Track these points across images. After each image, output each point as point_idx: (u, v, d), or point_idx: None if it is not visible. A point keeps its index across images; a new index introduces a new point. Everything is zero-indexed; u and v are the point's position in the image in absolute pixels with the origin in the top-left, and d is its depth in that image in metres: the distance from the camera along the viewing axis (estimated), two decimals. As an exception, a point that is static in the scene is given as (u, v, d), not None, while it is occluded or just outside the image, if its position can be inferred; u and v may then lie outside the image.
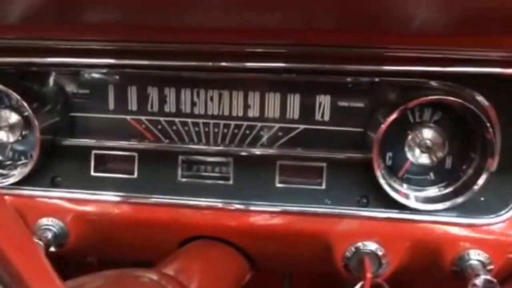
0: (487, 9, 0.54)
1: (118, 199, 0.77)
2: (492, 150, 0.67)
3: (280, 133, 0.75)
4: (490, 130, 0.66)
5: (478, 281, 0.67)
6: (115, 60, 0.74)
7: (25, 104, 0.73)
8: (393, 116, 0.67)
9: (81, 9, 0.61)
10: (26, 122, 0.77)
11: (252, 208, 0.74)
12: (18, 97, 0.73)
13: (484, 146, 0.68)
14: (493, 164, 0.68)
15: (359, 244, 0.73)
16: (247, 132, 0.76)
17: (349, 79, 0.72)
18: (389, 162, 0.74)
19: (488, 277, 0.67)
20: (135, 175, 0.77)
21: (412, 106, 0.67)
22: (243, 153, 0.75)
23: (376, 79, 0.70)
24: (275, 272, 1.14)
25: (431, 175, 0.74)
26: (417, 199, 0.71)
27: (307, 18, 0.62)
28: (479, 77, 0.67)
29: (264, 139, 0.76)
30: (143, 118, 0.77)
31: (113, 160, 0.77)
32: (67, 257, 1.04)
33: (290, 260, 0.83)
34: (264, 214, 0.75)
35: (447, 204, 0.69)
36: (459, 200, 0.69)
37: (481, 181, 0.68)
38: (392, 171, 0.74)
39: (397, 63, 0.68)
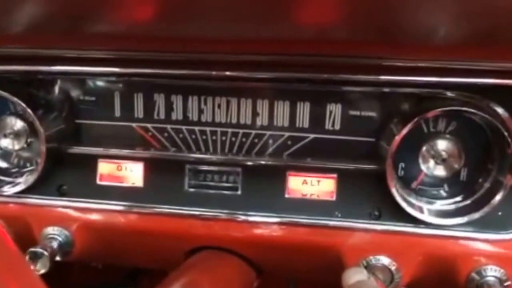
0: (504, 21, 0.51)
1: (124, 208, 0.75)
2: (511, 164, 0.64)
3: (289, 142, 0.73)
4: (510, 142, 0.63)
5: (495, 298, 0.65)
6: (122, 69, 0.72)
7: (30, 111, 0.72)
8: (408, 126, 0.65)
9: (88, 20, 0.60)
10: (31, 130, 0.76)
11: (260, 219, 0.73)
12: (23, 104, 0.72)
13: (502, 159, 0.65)
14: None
15: (371, 258, 0.71)
16: (256, 140, 0.74)
17: (360, 89, 0.69)
18: (401, 173, 0.72)
19: (505, 294, 0.65)
20: (141, 184, 0.75)
21: (430, 116, 0.65)
22: (251, 163, 0.73)
23: (387, 89, 0.68)
24: (279, 277, 1.13)
25: (445, 187, 0.71)
26: (431, 213, 0.68)
27: (320, 29, 0.60)
28: (498, 88, 0.64)
29: (273, 148, 0.74)
30: (149, 125, 0.75)
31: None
32: (72, 261, 1.04)
33: (298, 270, 0.81)
34: (273, 225, 0.73)
35: (464, 219, 0.67)
36: (476, 215, 0.66)
37: (499, 196, 0.65)
38: (405, 182, 0.72)
39: (411, 73, 0.65)
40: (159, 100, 0.74)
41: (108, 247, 0.80)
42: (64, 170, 0.77)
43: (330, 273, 0.74)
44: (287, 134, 0.73)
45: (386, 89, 0.68)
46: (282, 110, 0.72)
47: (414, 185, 0.72)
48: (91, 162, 0.76)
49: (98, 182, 0.76)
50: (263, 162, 0.73)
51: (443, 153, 0.68)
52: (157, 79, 0.73)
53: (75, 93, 0.76)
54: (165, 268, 0.76)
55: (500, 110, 0.65)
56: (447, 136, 0.69)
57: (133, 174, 0.75)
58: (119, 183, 0.76)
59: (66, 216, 0.77)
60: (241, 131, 0.74)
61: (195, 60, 0.70)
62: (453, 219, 0.67)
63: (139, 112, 0.75)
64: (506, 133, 0.63)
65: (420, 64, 0.65)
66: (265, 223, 0.73)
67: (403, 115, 0.67)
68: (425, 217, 0.68)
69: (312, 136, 0.73)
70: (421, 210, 0.68)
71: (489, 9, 0.48)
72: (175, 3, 0.53)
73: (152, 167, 0.75)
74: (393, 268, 0.70)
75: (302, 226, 0.72)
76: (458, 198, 0.70)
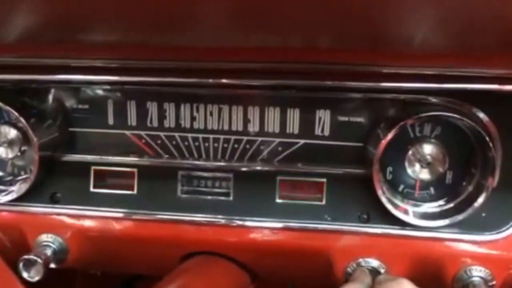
0: (484, 28, 0.53)
1: (117, 215, 0.76)
2: (493, 167, 0.66)
3: (280, 148, 0.75)
4: (491, 146, 0.66)
5: (480, 298, 0.67)
6: (115, 77, 0.73)
7: (23, 120, 0.73)
8: (393, 131, 0.67)
9: (81, 29, 0.61)
10: (25, 138, 0.76)
11: (252, 224, 0.74)
12: (16, 113, 0.73)
13: (484, 162, 0.67)
14: (494, 181, 0.67)
15: (361, 260, 0.72)
16: (247, 146, 0.75)
17: (348, 95, 0.72)
18: (389, 177, 0.74)
19: (490, 294, 0.67)
20: (135, 191, 0.76)
21: (412, 122, 0.67)
22: (243, 169, 0.74)
23: (375, 95, 0.70)
24: (277, 282, 1.14)
25: (432, 190, 0.73)
26: (416, 215, 0.70)
27: (307, 37, 0.62)
28: (479, 93, 0.67)
29: (264, 154, 0.75)
30: (142, 133, 0.77)
31: (112, 176, 0.77)
32: (70, 268, 1.05)
33: (292, 274, 0.82)
34: (265, 230, 0.74)
35: (447, 221, 0.69)
36: (460, 217, 0.69)
37: (481, 198, 0.67)
38: (393, 186, 0.74)
39: (396, 79, 0.67)
40: (152, 108, 0.76)
41: (102, 254, 0.80)
42: (58, 178, 0.78)
43: (322, 277, 0.76)
44: (278, 140, 0.75)
45: (372, 95, 0.70)
46: (272, 116, 0.74)
47: (401, 188, 0.73)
48: (84, 170, 0.77)
49: (92, 189, 0.77)
50: (254, 168, 0.74)
51: (428, 157, 0.70)
52: (150, 87, 0.74)
53: (68, 101, 0.77)
54: (160, 274, 0.77)
55: (481, 114, 0.68)
56: (432, 140, 0.71)
57: (126, 181, 0.76)
58: (113, 190, 0.77)
59: (60, 224, 0.77)
60: (233, 137, 0.75)
61: (187, 68, 0.71)
62: (437, 221, 0.70)
63: (132, 120, 0.76)
64: (487, 137, 0.65)
65: (404, 70, 0.67)
66: (257, 228, 0.74)
67: (389, 120, 0.69)
68: (410, 219, 0.70)
69: (302, 141, 0.74)
70: (406, 212, 0.70)
71: (468, 16, 0.50)
72: (167, 12, 0.54)
73: (145, 174, 0.76)
74: (382, 270, 0.72)
75: (293, 230, 0.74)
76: (443, 201, 0.72)
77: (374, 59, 0.67)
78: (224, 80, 0.71)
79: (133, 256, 0.81)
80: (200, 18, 0.55)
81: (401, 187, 0.74)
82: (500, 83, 0.66)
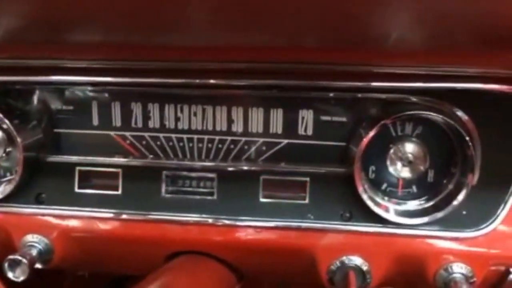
0: (462, 27, 0.54)
1: (102, 215, 0.77)
2: (472, 165, 0.67)
3: (264, 148, 0.76)
4: (470, 145, 0.67)
5: (460, 294, 0.68)
6: (99, 78, 0.74)
7: (7, 122, 0.73)
8: (374, 130, 0.68)
9: (65, 30, 0.61)
10: (9, 139, 0.77)
11: (236, 223, 0.75)
12: (0, 114, 0.73)
13: (464, 161, 0.68)
14: (473, 179, 0.68)
15: (344, 258, 0.73)
16: (231, 146, 0.76)
17: (331, 95, 0.72)
18: (372, 176, 0.74)
19: (470, 290, 0.68)
20: (120, 191, 0.77)
21: (391, 121, 0.68)
22: (227, 168, 0.75)
23: (358, 95, 0.71)
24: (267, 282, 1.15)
25: (414, 189, 0.74)
26: (397, 213, 0.71)
27: (289, 37, 0.62)
28: (458, 92, 0.68)
29: (248, 153, 0.76)
30: (127, 134, 0.77)
31: (97, 176, 0.77)
32: (63, 270, 1.05)
33: (276, 273, 0.83)
34: (249, 229, 0.75)
35: (426, 219, 0.70)
36: (440, 214, 0.70)
37: (461, 196, 0.68)
38: (376, 184, 0.74)
39: (378, 79, 0.68)
40: (136, 108, 0.76)
41: (88, 254, 0.81)
42: (43, 179, 0.78)
43: (306, 274, 0.76)
44: (261, 140, 0.75)
45: (354, 95, 0.71)
46: (256, 116, 0.75)
47: (383, 187, 0.74)
48: (69, 171, 0.77)
49: (76, 190, 0.78)
50: (238, 168, 0.75)
51: (410, 156, 0.71)
52: (134, 87, 0.75)
53: (53, 102, 0.78)
54: (147, 274, 0.77)
55: (461, 113, 0.68)
56: (414, 139, 0.72)
57: (111, 181, 0.77)
58: (97, 191, 0.77)
59: (45, 224, 0.78)
60: (217, 137, 0.76)
61: (171, 68, 0.72)
62: (417, 218, 0.71)
63: (116, 120, 0.77)
64: (466, 136, 0.66)
65: (384, 70, 0.68)
66: (241, 227, 0.75)
67: (370, 119, 0.70)
68: (391, 216, 0.71)
69: (285, 141, 0.75)
70: (387, 210, 0.71)
71: (445, 15, 0.50)
72: (150, 13, 0.54)
73: (130, 174, 0.77)
74: (365, 268, 0.73)
75: (277, 229, 0.74)
76: (424, 199, 0.73)
77: (355, 59, 0.68)
78: (208, 80, 0.72)
79: (119, 256, 0.81)
80: (183, 18, 0.56)
81: (384, 186, 0.74)
82: (479, 82, 0.67)
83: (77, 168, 0.77)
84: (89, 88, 0.76)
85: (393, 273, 0.74)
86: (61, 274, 1.12)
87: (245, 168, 0.75)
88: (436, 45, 0.64)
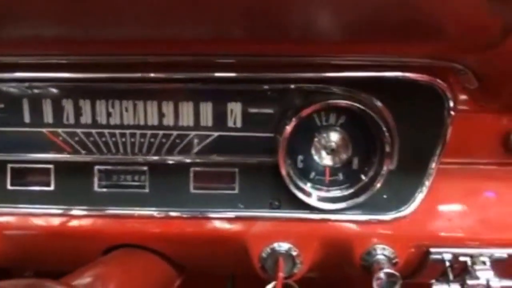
0: (378, 17, 0.57)
1: (35, 211, 0.77)
2: (388, 152, 0.71)
3: (196, 141, 0.77)
4: (386, 132, 0.70)
5: (381, 274, 0.71)
6: (29, 74, 0.74)
7: None
8: (295, 120, 0.70)
9: None
10: None
11: (168, 214, 0.76)
12: None
13: (382, 148, 0.72)
14: (390, 164, 0.72)
15: (275, 245, 0.76)
16: (163, 140, 0.77)
17: (257, 87, 0.75)
18: (300, 165, 0.77)
19: (390, 270, 0.71)
20: (52, 187, 0.77)
21: (311, 111, 0.70)
22: (158, 162, 0.77)
23: (281, 86, 0.73)
24: (216, 277, 1.16)
25: (340, 176, 0.77)
26: (319, 199, 0.74)
27: (215, 29, 0.64)
28: (374, 81, 0.71)
29: (180, 147, 0.77)
30: (59, 130, 0.77)
31: (29, 173, 0.78)
32: (11, 271, 1.04)
33: (212, 263, 0.85)
34: (181, 220, 0.76)
35: (349, 203, 0.73)
36: (360, 199, 0.73)
37: (379, 182, 0.72)
38: (304, 173, 0.77)
39: (298, 69, 0.71)
40: (67, 105, 0.77)
41: (24, 251, 0.81)
42: None
43: (242, 264, 0.79)
44: (193, 133, 0.77)
45: (277, 86, 0.73)
46: (186, 110, 0.76)
47: (311, 175, 0.77)
48: (1, 168, 0.77)
49: (9, 187, 0.78)
50: (168, 161, 0.76)
51: (332, 144, 0.74)
52: (64, 83, 0.75)
53: None
54: None
55: (378, 103, 0.72)
56: (337, 128, 0.75)
57: (43, 177, 0.77)
58: (30, 187, 0.78)
59: (-22, 223, 0.78)
60: (149, 132, 0.77)
61: (99, 63, 0.72)
62: (339, 203, 0.74)
63: (48, 117, 0.77)
64: (382, 124, 0.70)
65: (306, 60, 0.70)
66: (173, 218, 0.76)
67: (293, 110, 0.73)
68: (313, 202, 0.74)
69: (216, 134, 0.77)
70: (309, 195, 0.74)
71: (361, 5, 0.53)
72: (77, 7, 0.55)
73: (62, 170, 0.77)
74: (294, 253, 0.75)
75: (208, 219, 0.76)
76: (345, 186, 0.76)
77: (277, 51, 0.70)
78: (137, 74, 0.73)
79: (56, 252, 0.82)
80: (110, 11, 0.56)
81: (312, 174, 0.77)
82: (395, 71, 0.71)
83: (9, 165, 0.78)
84: (19, 84, 0.76)
85: (322, 258, 0.77)
86: (9, 275, 1.11)
87: (176, 160, 0.76)
88: (352, 35, 0.66)
